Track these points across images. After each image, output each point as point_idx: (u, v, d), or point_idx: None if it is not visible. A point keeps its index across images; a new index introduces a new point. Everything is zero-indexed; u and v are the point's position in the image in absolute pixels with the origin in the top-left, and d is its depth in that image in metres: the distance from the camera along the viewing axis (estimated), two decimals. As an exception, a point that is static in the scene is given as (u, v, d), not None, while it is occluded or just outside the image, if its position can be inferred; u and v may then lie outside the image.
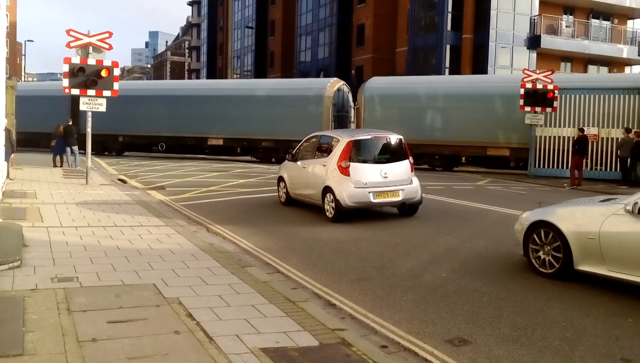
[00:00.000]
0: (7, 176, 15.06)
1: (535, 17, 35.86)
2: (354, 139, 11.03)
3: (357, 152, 11.02)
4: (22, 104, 30.03)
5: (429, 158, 24.14)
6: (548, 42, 35.73)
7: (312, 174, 11.65)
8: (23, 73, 73.97)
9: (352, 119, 27.88)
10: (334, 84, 26.96)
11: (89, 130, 15.09)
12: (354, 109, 27.77)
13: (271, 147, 27.44)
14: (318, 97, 26.36)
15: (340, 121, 26.89)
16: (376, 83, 26.56)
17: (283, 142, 25.53)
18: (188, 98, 29.41)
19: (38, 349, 4.32)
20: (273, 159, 26.98)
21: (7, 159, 15.26)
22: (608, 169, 19.86)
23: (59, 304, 5.37)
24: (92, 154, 29.12)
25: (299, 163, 12.29)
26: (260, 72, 55.99)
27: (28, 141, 31.14)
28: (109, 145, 30.79)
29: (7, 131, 15.57)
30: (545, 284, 6.64)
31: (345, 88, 27.95)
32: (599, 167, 19.88)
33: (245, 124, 27.27)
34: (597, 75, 34.25)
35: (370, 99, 25.52)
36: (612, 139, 19.75)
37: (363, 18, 43.73)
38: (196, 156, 29.52)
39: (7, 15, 18.95)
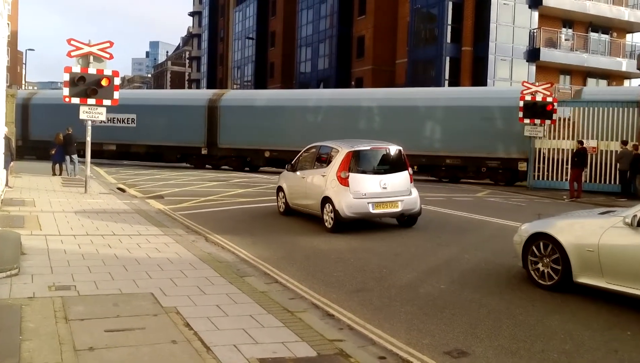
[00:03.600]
0: (6, 184, 15.06)
1: (535, 30, 36.04)
2: (353, 149, 11.04)
3: (357, 163, 11.03)
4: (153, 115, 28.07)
5: None
6: (547, 55, 35.91)
7: (311, 184, 11.65)
8: (24, 82, 74.13)
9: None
10: None
11: (88, 139, 15.10)
12: None
13: (458, 165, 23.24)
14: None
15: None
16: (593, 93, 21.93)
17: (473, 160, 22.62)
18: (352, 109, 25.78)
19: (34, 358, 4.30)
20: (461, 180, 23.43)
21: (6, 167, 15.28)
22: (607, 182, 19.89)
23: (57, 312, 5.35)
24: (231, 168, 28.16)
25: (298, 173, 12.29)
26: (260, 83, 56.19)
27: (158, 155, 29.22)
28: (253, 160, 28.06)
29: (7, 139, 15.61)
30: (544, 296, 6.63)
31: None
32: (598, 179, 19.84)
33: (425, 138, 23.49)
34: (596, 88, 34.21)
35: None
36: (611, 151, 19.80)
37: (363, 30, 43.93)
38: (194, 166, 29.23)
39: (8, 24, 19.06)
